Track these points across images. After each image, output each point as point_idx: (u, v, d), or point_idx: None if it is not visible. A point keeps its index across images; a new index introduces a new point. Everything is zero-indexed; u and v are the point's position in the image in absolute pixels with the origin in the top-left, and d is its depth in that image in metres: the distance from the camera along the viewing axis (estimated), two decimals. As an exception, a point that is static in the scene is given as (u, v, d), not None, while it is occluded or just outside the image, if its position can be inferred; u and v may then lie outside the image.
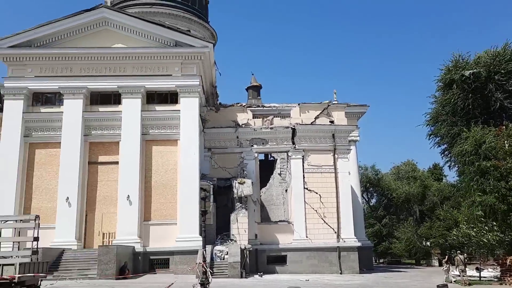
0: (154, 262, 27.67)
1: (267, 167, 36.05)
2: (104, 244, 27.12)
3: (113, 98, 30.49)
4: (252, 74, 53.36)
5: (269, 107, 35.96)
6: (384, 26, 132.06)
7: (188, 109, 29.98)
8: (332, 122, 34.16)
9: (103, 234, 28.65)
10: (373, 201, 62.58)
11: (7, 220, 17.37)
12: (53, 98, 30.46)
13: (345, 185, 33.07)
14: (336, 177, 33.09)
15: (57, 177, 28.72)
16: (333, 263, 31.56)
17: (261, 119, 34.44)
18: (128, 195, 28.20)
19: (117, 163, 29.47)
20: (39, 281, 16.63)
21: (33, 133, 29.66)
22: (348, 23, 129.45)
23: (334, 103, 36.24)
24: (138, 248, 27.48)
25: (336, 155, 33.48)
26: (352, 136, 36.89)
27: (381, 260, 61.08)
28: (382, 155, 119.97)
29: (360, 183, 44.07)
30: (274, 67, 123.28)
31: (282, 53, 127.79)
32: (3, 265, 14.79)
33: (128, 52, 30.19)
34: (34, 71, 30.04)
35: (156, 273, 26.85)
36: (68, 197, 27.94)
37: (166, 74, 30.47)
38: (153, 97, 30.79)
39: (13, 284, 14.56)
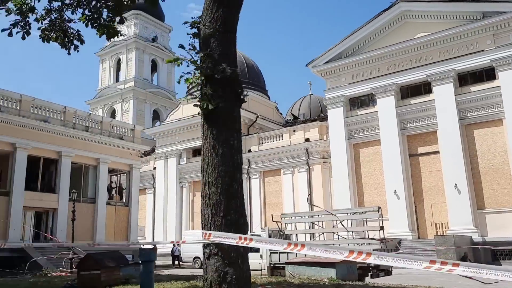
0: (496, 253, 25.64)
1: None
2: (439, 234, 27.01)
3: (422, 88, 30.38)
4: None
5: None
6: None
7: (511, 83, 26.76)
8: None
9: (435, 224, 28.60)
10: None
11: (354, 212, 19.71)
12: (366, 100, 32.79)
13: None
14: None
15: (382, 172, 30.59)
16: None
17: None
18: (456, 184, 27.25)
19: (437, 152, 29.06)
20: (391, 267, 18.03)
21: (354, 135, 32.66)
22: None
23: None
24: (476, 238, 26.04)
25: None
26: None
27: None
28: None
29: None
30: None
31: None
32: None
33: (431, 38, 29.49)
34: (347, 79, 33.19)
35: (501, 266, 24.77)
36: (395, 190, 29.30)
37: (476, 51, 28.20)
38: (466, 78, 28.96)
39: (370, 268, 16.41)
